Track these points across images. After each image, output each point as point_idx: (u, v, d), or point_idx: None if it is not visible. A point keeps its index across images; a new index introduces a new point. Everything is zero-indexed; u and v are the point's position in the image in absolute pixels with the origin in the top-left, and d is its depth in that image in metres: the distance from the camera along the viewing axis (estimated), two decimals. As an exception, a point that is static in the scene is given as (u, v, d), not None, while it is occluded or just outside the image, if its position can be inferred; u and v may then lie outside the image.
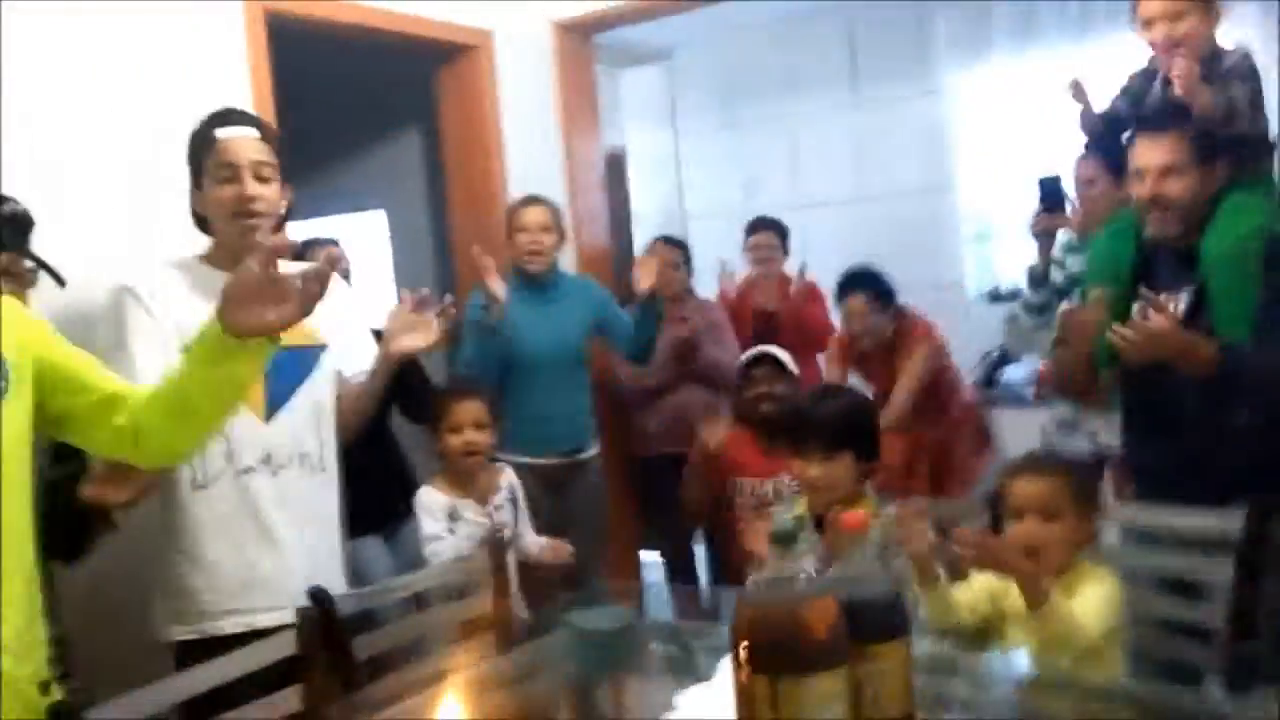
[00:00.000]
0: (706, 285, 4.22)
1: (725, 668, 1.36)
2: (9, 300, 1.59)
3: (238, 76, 2.90)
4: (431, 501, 2.67)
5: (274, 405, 2.09)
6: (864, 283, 3.63)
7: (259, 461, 2.07)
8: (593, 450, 3.43)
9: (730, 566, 3.16)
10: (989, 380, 4.38)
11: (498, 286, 2.99)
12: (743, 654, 1.07)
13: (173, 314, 2.02)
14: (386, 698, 1.83)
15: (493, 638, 2.16)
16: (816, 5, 4.86)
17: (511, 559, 2.32)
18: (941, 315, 3.78)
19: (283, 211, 2.15)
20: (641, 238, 5.29)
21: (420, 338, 2.21)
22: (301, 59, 3.07)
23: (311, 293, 1.54)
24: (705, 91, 5.51)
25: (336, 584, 2.15)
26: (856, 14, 4.98)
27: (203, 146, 2.08)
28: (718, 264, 4.24)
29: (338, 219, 4.20)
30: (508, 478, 2.82)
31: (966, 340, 4.13)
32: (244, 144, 2.06)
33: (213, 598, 2.05)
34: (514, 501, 2.80)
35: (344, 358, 2.23)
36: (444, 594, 2.34)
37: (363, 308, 2.43)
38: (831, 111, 5.16)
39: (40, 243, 2.07)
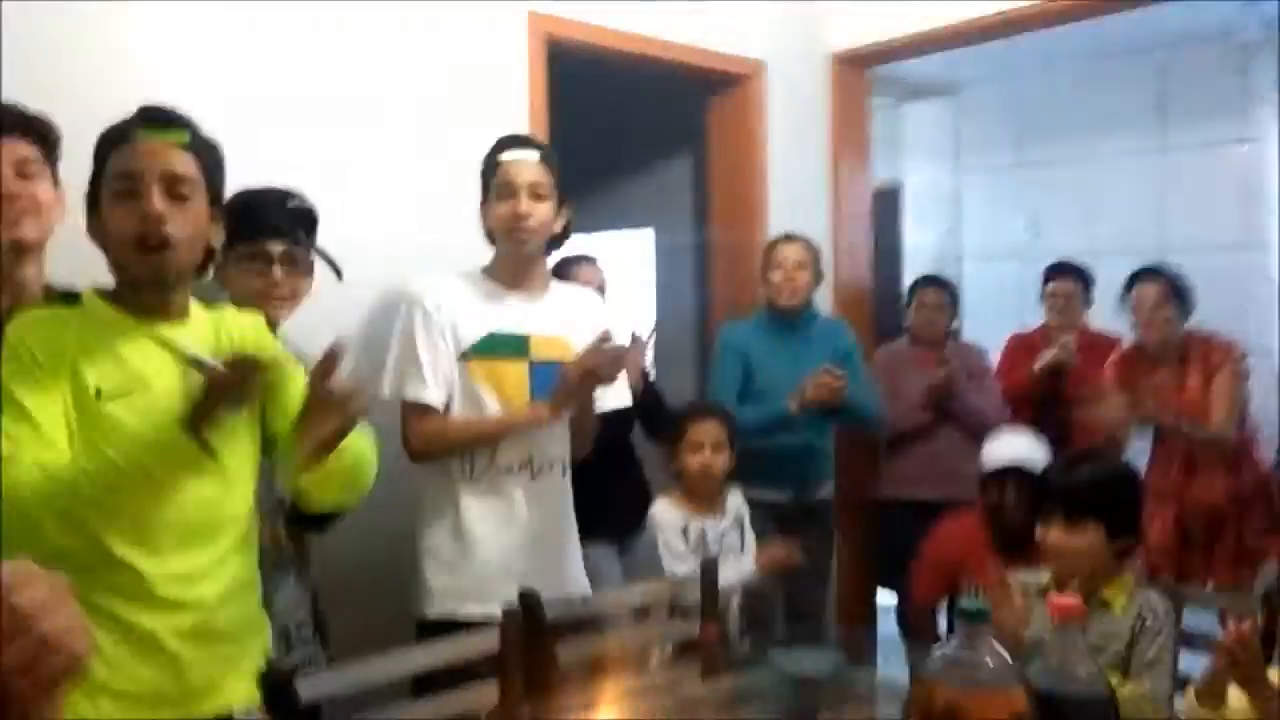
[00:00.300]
0: (977, 328, 4.01)
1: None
2: (256, 321, 1.77)
3: (518, 94, 3.05)
4: (666, 516, 2.71)
5: None
6: (1159, 273, 3.34)
7: (520, 465, 2.24)
8: (825, 492, 3.35)
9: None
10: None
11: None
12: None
13: (451, 322, 2.22)
14: (581, 705, 1.85)
15: (700, 662, 2.14)
16: (1127, 44, 4.53)
17: (727, 583, 2.29)
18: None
19: (559, 229, 2.31)
20: (913, 276, 5.14)
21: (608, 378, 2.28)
22: (580, 79, 3.19)
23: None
24: (993, 128, 5.27)
25: (579, 584, 2.31)
26: (1170, 55, 4.60)
27: (490, 167, 2.28)
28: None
29: (609, 234, 4.35)
30: (737, 500, 2.83)
31: (1274, 414, 3.68)
32: (523, 166, 2.24)
33: (466, 584, 2.21)
34: (740, 525, 2.81)
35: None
36: (656, 611, 2.36)
37: (616, 326, 2.49)
38: (1134, 156, 4.79)
39: (323, 238, 2.24)
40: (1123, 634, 2.03)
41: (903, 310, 3.88)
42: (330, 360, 1.54)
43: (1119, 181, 4.83)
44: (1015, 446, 2.96)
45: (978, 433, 3.34)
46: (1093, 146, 4.89)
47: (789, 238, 3.34)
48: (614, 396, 2.40)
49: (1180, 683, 2.01)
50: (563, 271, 3.17)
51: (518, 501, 2.24)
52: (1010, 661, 1.02)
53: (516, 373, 2.25)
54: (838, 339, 3.35)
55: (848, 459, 3.69)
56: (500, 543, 2.23)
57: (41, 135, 1.86)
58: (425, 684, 1.90)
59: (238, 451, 1.63)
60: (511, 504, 2.24)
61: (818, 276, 3.32)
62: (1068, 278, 3.91)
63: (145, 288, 1.56)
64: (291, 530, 2.13)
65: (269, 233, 2.12)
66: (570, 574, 2.33)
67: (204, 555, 1.57)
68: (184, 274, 1.58)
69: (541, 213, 2.24)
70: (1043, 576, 2.18)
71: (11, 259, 1.86)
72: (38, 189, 1.88)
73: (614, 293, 3.33)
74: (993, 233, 5.23)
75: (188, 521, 1.55)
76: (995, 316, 4.17)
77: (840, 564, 3.69)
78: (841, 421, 3.36)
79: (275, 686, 1.59)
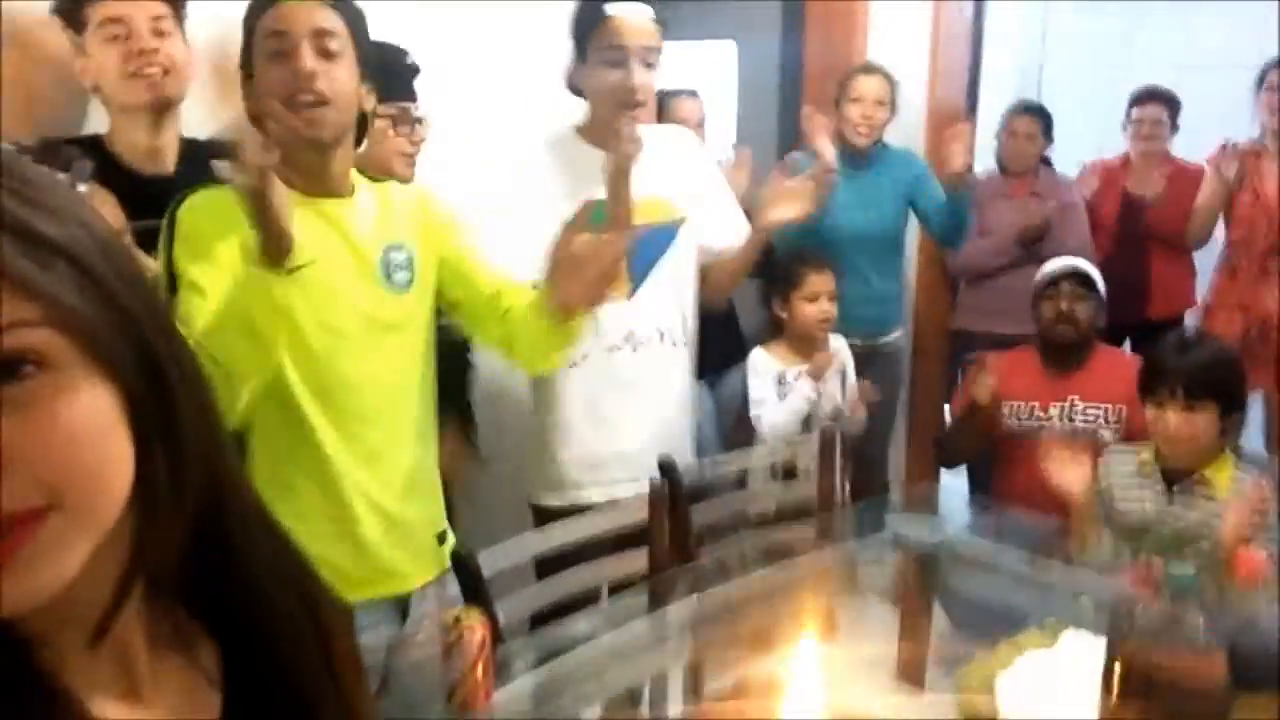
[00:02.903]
0: (1063, 158, 3.91)
1: (1067, 638, 1.39)
2: (422, 192, 1.75)
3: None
4: (764, 365, 2.74)
5: (636, 283, 2.17)
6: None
7: (623, 339, 2.17)
8: (895, 334, 3.38)
9: (1002, 493, 2.83)
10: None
11: (829, 152, 2.73)
12: (1116, 686, 1.10)
13: (547, 189, 2.08)
14: (717, 569, 2.00)
15: (816, 526, 2.28)
16: None
17: (838, 446, 2.39)
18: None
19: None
20: (991, 98, 4.95)
21: (793, 209, 2.25)
22: None
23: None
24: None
25: (687, 454, 2.30)
26: None
27: (591, 21, 2.07)
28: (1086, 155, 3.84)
29: (686, 44, 4.18)
30: (840, 343, 2.83)
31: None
32: (636, 27, 2.04)
33: (578, 468, 2.20)
34: (843, 375, 2.83)
35: (707, 230, 2.28)
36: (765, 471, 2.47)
37: (719, 177, 2.42)
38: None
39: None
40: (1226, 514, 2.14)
41: (995, 137, 3.78)
42: (583, 214, 1.58)
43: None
44: (1072, 259, 2.99)
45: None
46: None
47: (869, 69, 3.22)
48: (721, 234, 2.29)
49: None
50: (662, 106, 3.11)
51: (622, 380, 2.18)
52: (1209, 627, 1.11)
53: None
54: (910, 166, 3.26)
55: (924, 299, 3.70)
56: (609, 427, 2.19)
57: None
58: (543, 567, 1.98)
59: (408, 326, 1.64)
60: (616, 383, 2.18)
61: (894, 111, 3.21)
62: (1156, 103, 3.78)
63: (304, 152, 1.53)
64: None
65: (410, 94, 2.10)
66: (682, 443, 2.30)
67: (383, 435, 1.61)
68: (341, 134, 1.55)
69: (652, 83, 2.09)
70: (1141, 451, 2.27)
71: (154, 118, 1.88)
72: (173, 47, 1.87)
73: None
74: (1080, 48, 5.00)
75: (364, 400, 1.58)
76: (1076, 140, 4.03)
77: (914, 404, 3.79)
78: (945, 231, 3.28)
79: (459, 563, 1.72)
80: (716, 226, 2.30)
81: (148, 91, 1.84)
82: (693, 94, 3.15)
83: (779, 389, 2.72)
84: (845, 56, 3.51)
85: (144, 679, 0.60)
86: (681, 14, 4.08)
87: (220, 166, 1.32)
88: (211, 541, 0.61)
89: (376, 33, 1.63)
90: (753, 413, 2.71)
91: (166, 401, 0.55)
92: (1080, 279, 2.86)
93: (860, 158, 3.18)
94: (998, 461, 2.90)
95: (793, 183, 2.22)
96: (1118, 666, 1.09)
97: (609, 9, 2.04)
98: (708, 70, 4.26)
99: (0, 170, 0.51)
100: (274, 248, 1.36)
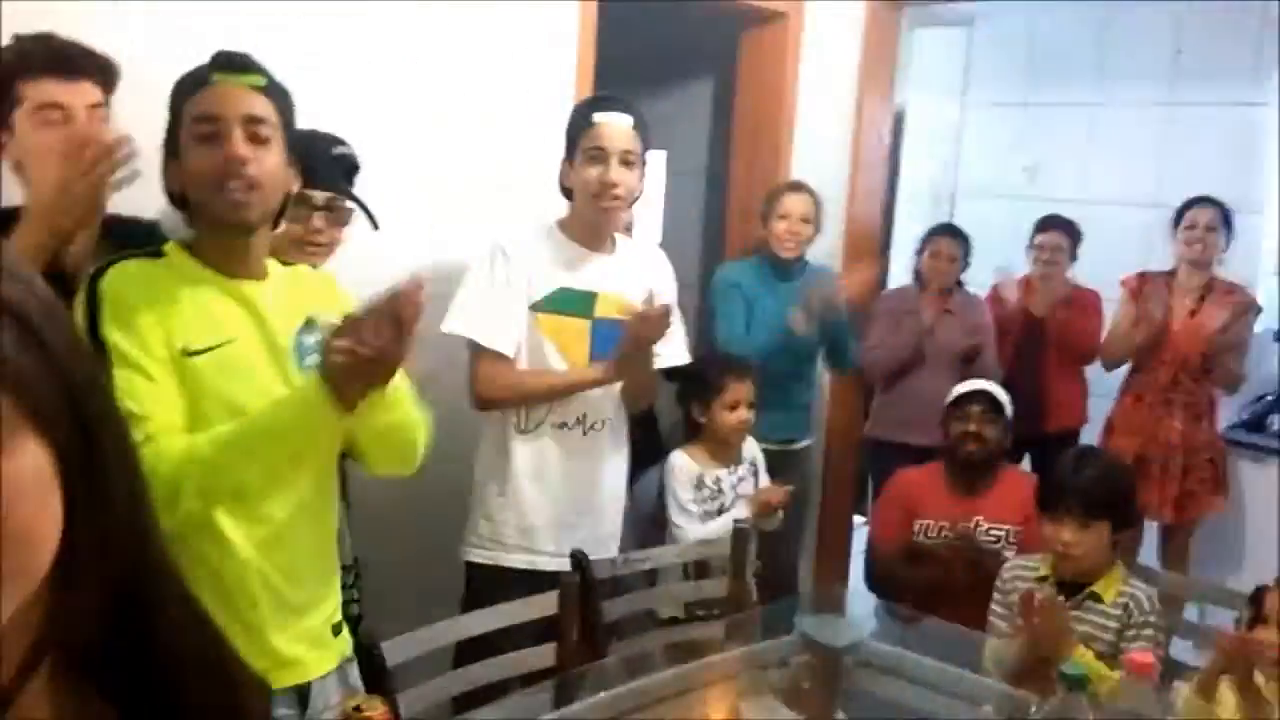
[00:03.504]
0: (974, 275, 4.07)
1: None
2: (329, 277, 1.78)
3: (571, 15, 3.01)
4: (683, 468, 2.78)
5: None
6: (1214, 202, 3.73)
7: (575, 420, 2.30)
8: (808, 439, 3.47)
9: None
10: (1258, 424, 4.11)
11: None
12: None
13: (527, 274, 2.25)
14: (625, 667, 1.99)
15: (725, 625, 2.29)
16: (1146, -10, 4.52)
17: (752, 546, 2.42)
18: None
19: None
20: (907, 210, 5.18)
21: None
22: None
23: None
24: (1003, 64, 5.25)
25: (615, 544, 2.40)
26: (1188, 10, 4.60)
27: (579, 126, 2.26)
28: (995, 269, 4.00)
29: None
30: (752, 449, 2.91)
31: (1249, 381, 3.88)
32: (617, 130, 2.22)
33: (512, 530, 2.30)
34: (755, 473, 2.90)
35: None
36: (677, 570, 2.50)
37: (675, 296, 2.49)
38: (1140, 108, 4.83)
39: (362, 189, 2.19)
40: (1111, 624, 2.21)
41: (913, 255, 3.92)
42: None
43: (1122, 132, 4.88)
44: (981, 381, 3.12)
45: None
46: (1099, 94, 4.91)
47: (796, 186, 3.37)
48: (672, 353, 2.43)
49: (1172, 670, 2.20)
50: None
51: (568, 456, 2.31)
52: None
53: (579, 328, 2.31)
54: (829, 284, 3.33)
55: (837, 407, 3.81)
56: (548, 496, 2.30)
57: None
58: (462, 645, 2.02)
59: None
60: (562, 458, 2.30)
61: (818, 229, 3.36)
62: (1057, 231, 3.96)
63: (228, 234, 1.55)
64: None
65: (314, 179, 2.05)
66: (612, 530, 2.42)
67: (284, 515, 1.57)
68: (265, 219, 1.57)
69: (631, 181, 2.25)
70: (1039, 565, 2.35)
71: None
72: (109, 134, 1.85)
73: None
74: (990, 172, 5.28)
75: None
76: (980, 258, 4.22)
77: (824, 508, 3.86)
78: (831, 353, 3.44)
79: (362, 651, 1.69)
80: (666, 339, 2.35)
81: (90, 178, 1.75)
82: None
83: (696, 493, 2.76)
84: (771, 171, 3.66)
85: None
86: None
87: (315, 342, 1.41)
88: (132, 620, 0.60)
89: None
90: (674, 521, 2.73)
91: (98, 468, 0.55)
92: (989, 400, 2.95)
93: (784, 271, 3.31)
94: (917, 569, 2.93)
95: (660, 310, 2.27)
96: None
97: (595, 117, 2.24)
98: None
99: None
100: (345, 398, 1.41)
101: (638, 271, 2.38)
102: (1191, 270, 3.76)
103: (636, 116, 2.26)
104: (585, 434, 2.33)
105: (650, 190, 4.38)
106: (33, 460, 0.51)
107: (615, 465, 2.41)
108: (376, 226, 2.23)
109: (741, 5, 3.51)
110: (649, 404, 2.50)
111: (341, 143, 2.17)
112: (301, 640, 1.62)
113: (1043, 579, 2.29)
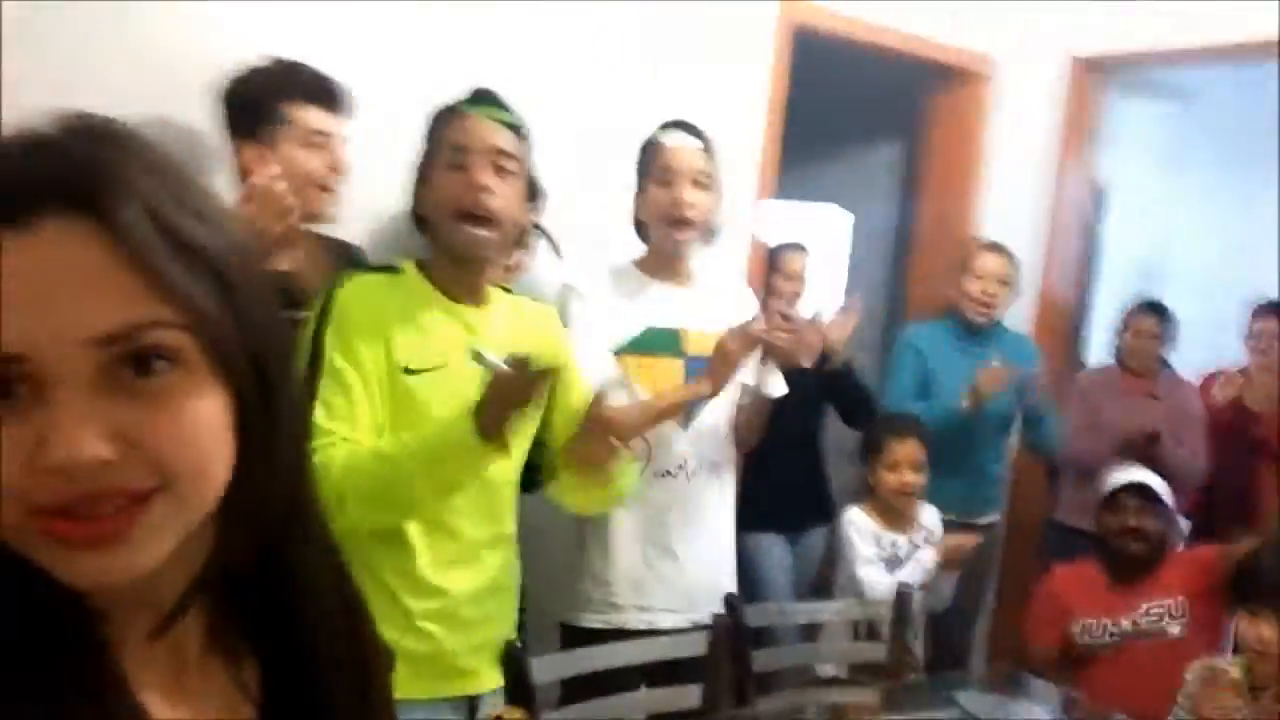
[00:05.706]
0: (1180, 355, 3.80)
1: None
2: (550, 311, 1.86)
3: (761, 78, 3.02)
4: (863, 524, 2.67)
5: (691, 414, 2.17)
6: None
7: (676, 466, 2.15)
8: (994, 516, 3.28)
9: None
10: None
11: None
12: None
13: (604, 316, 2.11)
14: (776, 717, 1.93)
15: (883, 690, 2.19)
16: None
17: (919, 611, 2.31)
18: None
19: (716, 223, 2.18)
20: (1107, 284, 4.91)
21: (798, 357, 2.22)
22: (805, 56, 3.10)
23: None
24: (1218, 143, 4.96)
25: (729, 588, 2.23)
26: None
27: (649, 152, 2.16)
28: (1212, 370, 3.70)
29: (803, 204, 4.30)
30: (931, 518, 2.77)
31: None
32: (686, 152, 2.11)
33: (623, 591, 2.13)
34: (932, 542, 2.75)
35: (750, 371, 2.23)
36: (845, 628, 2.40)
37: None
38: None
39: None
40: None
41: (1114, 333, 3.70)
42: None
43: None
44: (1137, 470, 2.83)
45: (1175, 485, 3.01)
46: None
47: (994, 247, 3.21)
48: (774, 384, 2.27)
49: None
50: (774, 260, 3.17)
51: (676, 507, 2.15)
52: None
53: (672, 368, 2.15)
54: (1023, 357, 3.14)
55: (1024, 484, 3.62)
56: (660, 551, 2.15)
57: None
58: (572, 687, 1.96)
59: (519, 433, 1.63)
60: (670, 510, 2.15)
61: (1016, 291, 3.20)
62: (1275, 317, 3.61)
63: (463, 261, 1.61)
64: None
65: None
66: (726, 574, 2.26)
67: (480, 535, 1.65)
68: (502, 251, 1.64)
69: (704, 203, 2.11)
70: (1232, 666, 2.14)
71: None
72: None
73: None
74: (1197, 254, 4.97)
75: (470, 501, 1.61)
76: (1185, 346, 3.93)
77: (1003, 588, 3.66)
78: (1028, 426, 3.25)
79: (509, 657, 1.70)
80: (765, 374, 2.27)
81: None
82: (800, 248, 3.21)
83: (878, 549, 2.65)
84: (959, 235, 3.56)
85: (190, 681, 0.61)
86: (806, 174, 4.24)
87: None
88: (277, 564, 0.63)
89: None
90: (860, 575, 2.60)
91: (271, 418, 0.58)
92: (1143, 491, 2.71)
93: (977, 333, 3.15)
94: (1078, 666, 2.71)
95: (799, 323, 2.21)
96: None
97: (661, 137, 2.15)
98: (821, 229, 4.37)
99: (164, 172, 0.55)
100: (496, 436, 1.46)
101: (725, 308, 2.21)
102: None
103: (706, 140, 2.15)
104: (689, 479, 2.16)
105: (834, 251, 4.44)
106: (216, 404, 0.55)
107: (724, 510, 2.25)
108: (560, 255, 2.30)
109: (931, 64, 3.45)
110: (758, 439, 2.31)
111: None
112: (478, 654, 1.67)
113: (1237, 682, 2.08)
